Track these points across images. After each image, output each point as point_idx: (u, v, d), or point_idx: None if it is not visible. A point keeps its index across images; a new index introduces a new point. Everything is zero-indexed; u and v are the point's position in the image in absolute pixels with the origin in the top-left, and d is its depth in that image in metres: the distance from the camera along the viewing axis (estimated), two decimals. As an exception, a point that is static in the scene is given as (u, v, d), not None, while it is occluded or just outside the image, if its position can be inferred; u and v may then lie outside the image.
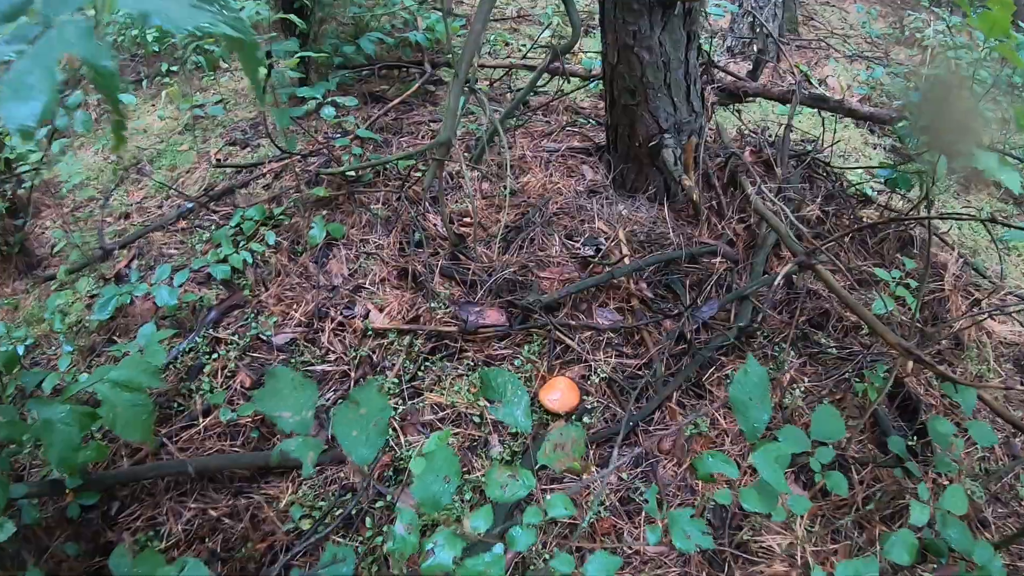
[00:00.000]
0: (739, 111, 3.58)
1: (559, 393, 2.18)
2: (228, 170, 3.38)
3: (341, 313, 2.57)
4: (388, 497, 2.01)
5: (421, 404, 2.25)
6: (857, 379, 2.38)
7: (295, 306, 2.64)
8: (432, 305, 2.50)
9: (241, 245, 2.84)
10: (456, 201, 2.93)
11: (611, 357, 2.36)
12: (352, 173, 2.93)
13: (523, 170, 3.10)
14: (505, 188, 2.80)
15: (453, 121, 2.40)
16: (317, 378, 2.43)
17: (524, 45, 4.63)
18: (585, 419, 2.18)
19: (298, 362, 2.44)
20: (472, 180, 3.02)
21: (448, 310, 2.49)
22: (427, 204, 2.87)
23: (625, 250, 2.67)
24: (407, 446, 2.14)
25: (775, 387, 2.36)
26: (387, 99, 3.71)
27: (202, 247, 2.94)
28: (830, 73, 5.18)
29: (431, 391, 2.28)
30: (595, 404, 2.23)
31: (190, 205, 3.19)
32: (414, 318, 2.49)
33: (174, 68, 4.39)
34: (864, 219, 3.11)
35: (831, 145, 3.26)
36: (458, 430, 2.17)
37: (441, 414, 2.22)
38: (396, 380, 2.33)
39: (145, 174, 3.60)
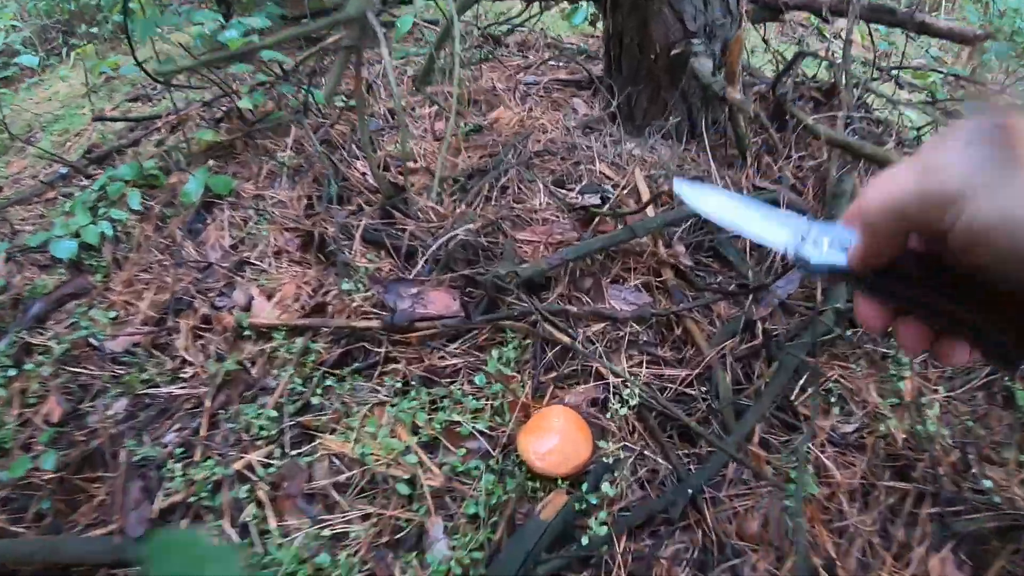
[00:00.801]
0: (766, 41, 2.43)
1: (555, 438, 1.00)
2: (118, 130, 2.21)
3: (212, 302, 1.42)
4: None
5: (311, 457, 1.10)
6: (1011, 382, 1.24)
7: (146, 294, 1.48)
8: (346, 287, 1.34)
9: (101, 214, 1.68)
10: (393, 142, 1.76)
11: (640, 365, 1.21)
12: (249, 107, 1.76)
13: (492, 105, 1.94)
14: (454, 113, 1.63)
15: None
16: (158, 408, 1.28)
17: None
18: (606, 485, 1.01)
19: (136, 380, 1.29)
20: (409, 106, 1.86)
21: (369, 294, 1.33)
22: (355, 149, 1.71)
23: (646, 199, 1.52)
24: (276, 540, 0.99)
25: (902, 409, 1.21)
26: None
27: (62, 220, 1.77)
28: None
29: (330, 432, 1.13)
30: (619, 453, 1.07)
31: (64, 171, 2.03)
32: (317, 307, 1.34)
33: (94, 30, 3.22)
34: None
35: (897, 68, 2.12)
36: (371, 508, 1.02)
37: (345, 475, 1.06)
38: (274, 414, 1.18)
39: (33, 143, 2.43)
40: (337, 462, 1.07)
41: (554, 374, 1.16)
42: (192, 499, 1.07)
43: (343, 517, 0.99)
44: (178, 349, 1.34)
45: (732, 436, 1.08)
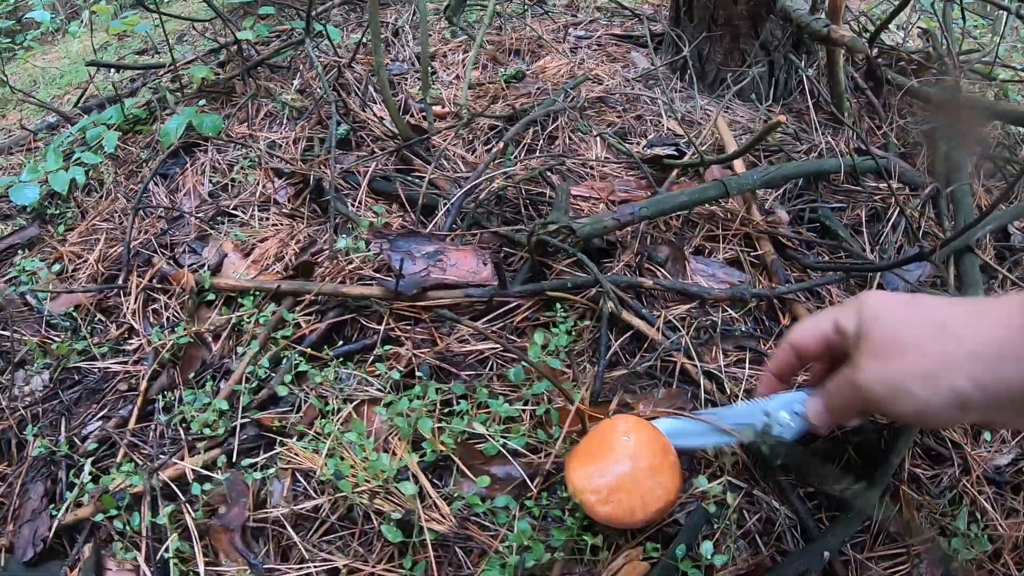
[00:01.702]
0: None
1: (624, 466, 0.60)
2: (118, 80, 1.90)
3: (174, 258, 1.07)
4: None
5: (264, 473, 0.73)
6: None
7: (97, 247, 1.14)
8: (342, 244, 0.98)
9: (75, 159, 1.36)
10: (418, 84, 1.40)
11: (739, 364, 0.81)
12: (249, 39, 1.42)
13: (537, 56, 1.57)
14: (487, 20, 1.27)
15: None
16: (88, 387, 0.93)
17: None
18: (707, 545, 0.60)
19: (65, 349, 0.94)
20: (440, 53, 1.50)
21: (372, 254, 0.97)
22: (372, 92, 1.36)
23: (739, 166, 1.13)
24: None
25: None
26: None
27: (32, 165, 1.46)
28: None
29: (298, 438, 0.76)
30: (719, 494, 0.66)
31: (53, 120, 1.73)
32: (303, 268, 0.98)
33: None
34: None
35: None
36: (341, 560, 0.65)
37: (310, 503, 0.69)
38: (225, 406, 0.81)
39: (33, 96, 2.16)
40: (302, 482, 0.70)
41: (622, 371, 0.77)
42: (101, 516, 0.71)
43: (300, 570, 0.62)
44: (125, 314, 0.99)
45: (879, 475, 0.68)
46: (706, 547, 0.60)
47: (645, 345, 0.79)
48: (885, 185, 1.15)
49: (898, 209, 1.09)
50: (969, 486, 0.76)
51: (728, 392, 0.75)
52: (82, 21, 2.69)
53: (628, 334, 0.81)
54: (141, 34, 2.41)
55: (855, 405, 0.54)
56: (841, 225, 1.06)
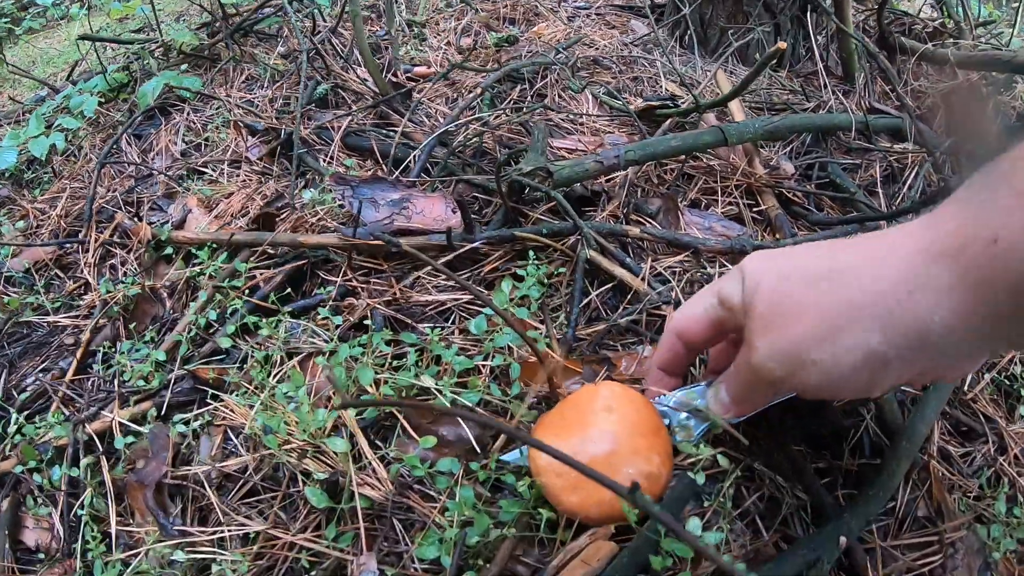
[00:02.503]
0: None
1: (604, 444, 0.48)
2: (112, 56, 1.84)
3: (139, 215, 0.98)
4: None
5: (194, 426, 0.63)
6: None
7: (59, 203, 1.06)
8: (308, 196, 0.88)
9: (56, 126, 1.29)
10: (401, 50, 1.30)
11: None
12: (232, 2, 1.34)
13: (533, 23, 1.46)
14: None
15: None
16: (37, 341, 0.84)
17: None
18: (695, 521, 0.48)
19: (17, 304, 0.86)
20: (432, 20, 1.39)
21: (338, 205, 0.86)
22: (357, 56, 1.26)
23: (735, 109, 1.01)
24: (112, 553, 0.52)
25: None
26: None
27: (13, 132, 1.39)
28: None
29: (235, 394, 0.66)
30: (711, 465, 0.52)
31: (43, 93, 1.67)
32: (262, 219, 0.88)
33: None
34: None
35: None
36: (257, 525, 0.54)
37: (235, 460, 0.59)
38: (163, 358, 0.72)
39: (24, 72, 2.11)
40: (233, 440, 0.60)
41: (601, 326, 0.65)
42: (21, 469, 0.62)
43: (214, 534, 0.51)
44: (81, 269, 0.90)
45: (902, 444, 0.55)
46: (693, 524, 0.48)
47: (629, 297, 0.67)
48: (900, 145, 1.02)
49: (916, 169, 0.95)
50: (1007, 466, 0.62)
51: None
52: (84, 4, 2.66)
53: (610, 285, 0.69)
54: (141, 15, 2.36)
55: (759, 391, 0.43)
56: (853, 183, 0.93)
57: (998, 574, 0.54)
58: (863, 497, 0.52)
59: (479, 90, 0.98)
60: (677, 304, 0.66)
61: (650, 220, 0.78)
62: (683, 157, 0.85)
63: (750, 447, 0.56)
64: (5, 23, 2.43)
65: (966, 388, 0.68)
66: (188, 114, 1.15)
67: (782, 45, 0.78)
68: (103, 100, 1.31)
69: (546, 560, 0.46)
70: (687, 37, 1.33)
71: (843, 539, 0.49)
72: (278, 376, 0.63)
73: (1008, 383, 0.70)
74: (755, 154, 0.90)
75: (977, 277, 0.32)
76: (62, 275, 0.92)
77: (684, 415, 0.51)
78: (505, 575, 0.46)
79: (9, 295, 0.91)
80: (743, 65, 1.30)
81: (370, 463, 0.53)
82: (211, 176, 1.01)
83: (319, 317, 0.70)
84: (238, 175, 1.00)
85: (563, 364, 0.58)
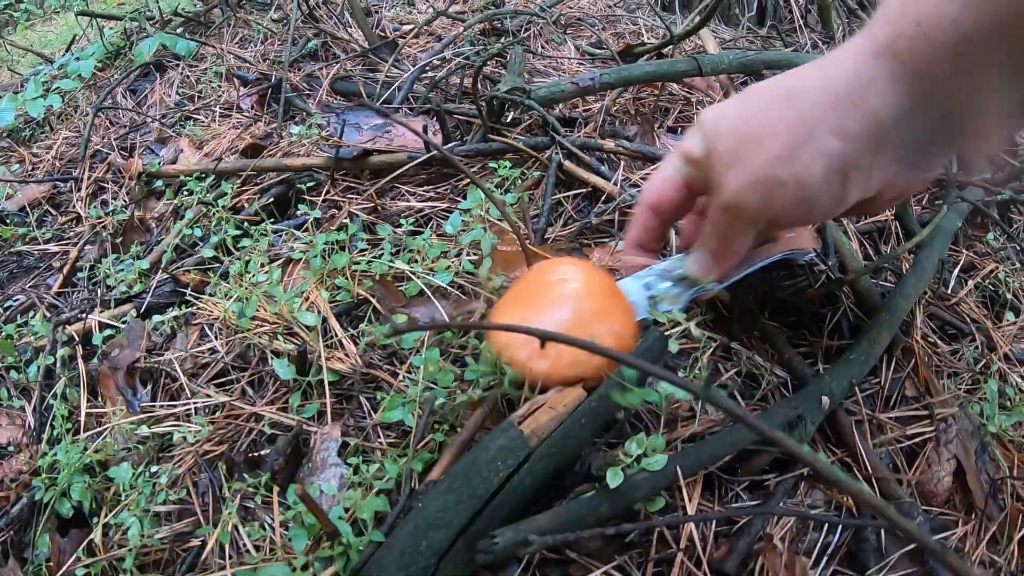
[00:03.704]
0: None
1: (565, 311, 0.45)
2: (110, 34, 1.83)
3: (134, 156, 0.96)
4: None
5: (171, 319, 0.60)
6: None
7: (55, 147, 1.04)
8: (296, 130, 0.85)
9: (54, 89, 1.27)
10: (391, 8, 1.29)
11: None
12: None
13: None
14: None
15: None
16: (26, 266, 0.81)
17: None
18: (663, 384, 0.47)
19: (8, 234, 0.83)
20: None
21: (323, 135, 0.84)
22: (348, 17, 1.25)
23: (712, 46, 0.99)
24: (79, 433, 0.50)
25: None
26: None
27: (11, 95, 1.38)
28: None
29: (213, 295, 0.63)
30: (687, 335, 0.48)
31: (42, 67, 1.66)
32: (249, 150, 0.85)
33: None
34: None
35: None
36: (222, 398, 0.51)
37: (209, 345, 0.57)
38: (146, 266, 0.69)
39: (25, 48, 2.11)
40: (209, 335, 0.57)
41: (573, 227, 0.63)
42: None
43: (182, 408, 0.49)
44: (74, 204, 0.88)
45: (881, 316, 0.52)
46: (663, 386, 0.45)
47: (602, 199, 0.65)
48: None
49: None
50: (996, 359, 0.59)
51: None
52: None
53: (583, 192, 0.66)
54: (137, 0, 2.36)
55: (738, 233, 0.41)
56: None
57: (995, 455, 0.51)
58: (845, 361, 0.48)
59: (462, 28, 0.96)
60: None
61: (626, 141, 0.76)
62: (659, 88, 0.83)
63: (728, 325, 0.53)
64: (5, 7, 2.43)
65: (949, 292, 0.65)
66: (183, 70, 1.13)
67: None
68: (100, 66, 1.30)
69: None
70: (669, 5, 1.32)
71: (825, 399, 0.45)
72: (255, 274, 0.60)
73: (992, 288, 0.67)
74: (731, 87, 0.87)
75: (912, 61, 0.33)
76: (55, 212, 0.90)
77: (669, 283, 0.48)
78: (474, 437, 0.43)
79: (1, 228, 0.89)
80: (725, 25, 1.28)
81: (339, 340, 0.50)
82: (203, 122, 0.99)
83: (302, 228, 0.67)
84: (229, 120, 0.98)
85: (534, 251, 0.55)
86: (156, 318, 0.59)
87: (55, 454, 0.47)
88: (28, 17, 2.39)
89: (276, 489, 0.40)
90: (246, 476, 0.42)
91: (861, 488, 0.35)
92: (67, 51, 1.60)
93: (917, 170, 0.37)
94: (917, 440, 0.49)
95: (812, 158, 0.35)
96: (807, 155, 0.35)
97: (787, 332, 0.54)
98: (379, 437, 0.46)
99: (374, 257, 0.57)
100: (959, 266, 0.70)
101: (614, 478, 0.37)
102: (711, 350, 0.50)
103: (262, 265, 0.62)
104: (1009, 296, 0.66)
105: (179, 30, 1.25)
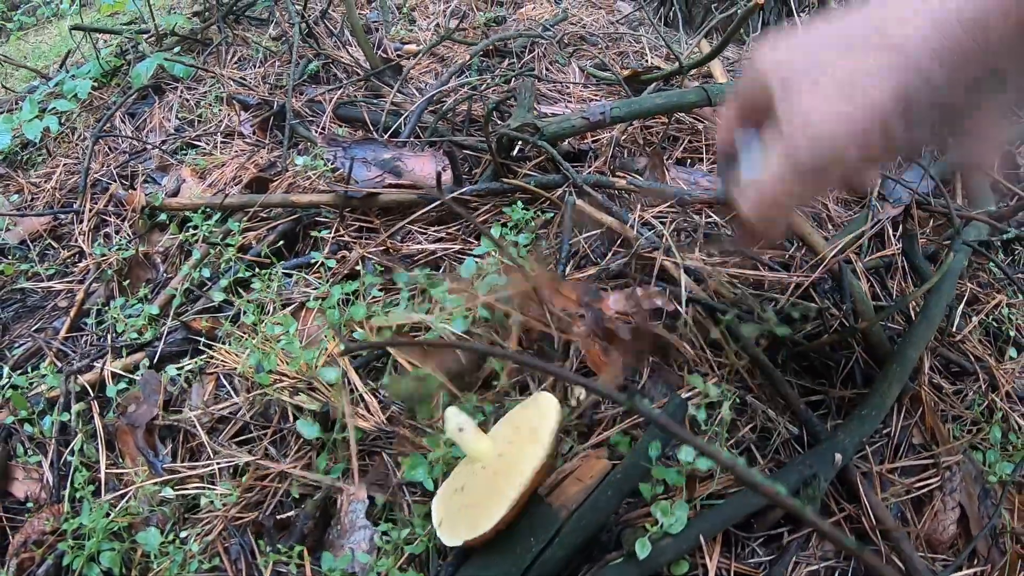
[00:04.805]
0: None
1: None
2: (104, 48, 1.83)
3: (133, 187, 0.97)
4: None
5: (186, 371, 0.62)
6: None
7: (55, 177, 1.04)
8: (301, 161, 0.87)
9: (50, 109, 1.27)
10: (395, 26, 1.30)
11: (723, 266, 0.68)
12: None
13: (520, 4, 1.46)
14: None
15: None
16: (31, 306, 0.82)
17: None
18: (683, 448, 0.50)
19: (11, 270, 0.84)
20: (421, 3, 1.39)
21: (329, 168, 0.85)
22: (348, 36, 1.25)
23: (718, 75, 1.00)
24: (102, 495, 0.51)
25: None
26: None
27: (7, 116, 1.38)
28: None
29: (227, 342, 0.65)
30: (711, 395, 0.53)
31: (36, 83, 1.65)
32: (255, 183, 0.87)
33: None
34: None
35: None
36: (250, 459, 0.53)
37: (227, 403, 0.58)
38: (156, 312, 0.70)
39: (19, 63, 2.09)
40: (225, 386, 0.58)
41: (590, 271, 0.64)
42: (12, 420, 0.60)
43: (205, 469, 0.50)
44: (76, 237, 0.89)
45: (892, 368, 0.54)
46: (686, 451, 0.47)
47: (618, 242, 0.67)
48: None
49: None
50: (999, 400, 0.61)
51: (708, 287, 0.62)
52: (75, 1, 2.64)
53: (597, 233, 0.68)
54: (132, 11, 2.35)
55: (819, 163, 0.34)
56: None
57: (998, 501, 0.53)
58: (856, 418, 0.51)
59: (468, 57, 0.98)
60: (668, 250, 0.65)
61: (636, 176, 0.78)
62: (668, 118, 0.85)
63: (743, 378, 0.55)
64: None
65: (954, 329, 0.68)
66: (181, 92, 1.14)
67: (760, 1, 0.78)
68: (96, 85, 1.30)
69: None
70: (672, 15, 1.33)
71: (838, 456, 0.48)
72: (269, 321, 0.62)
73: (996, 325, 0.70)
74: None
75: None
76: (56, 245, 0.91)
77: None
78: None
79: (3, 263, 0.89)
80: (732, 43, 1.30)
81: (361, 396, 0.51)
82: (204, 149, 1.00)
83: (312, 269, 0.69)
84: (231, 147, 0.99)
85: (554, 288, 0.57)
86: (170, 369, 0.60)
87: (79, 518, 0.48)
88: (20, 26, 2.37)
89: (308, 557, 0.42)
90: (275, 541, 0.44)
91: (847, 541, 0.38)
92: (61, 66, 1.60)
93: (979, 112, 0.33)
94: (924, 491, 0.51)
95: (860, 95, 0.32)
96: (857, 91, 0.32)
97: (800, 381, 0.57)
98: (404, 495, 0.48)
99: (391, 305, 0.59)
100: (964, 300, 0.72)
101: (642, 550, 0.39)
102: (728, 401, 0.52)
103: (274, 311, 0.64)
104: (1012, 332, 0.69)
105: (176, 50, 1.26)
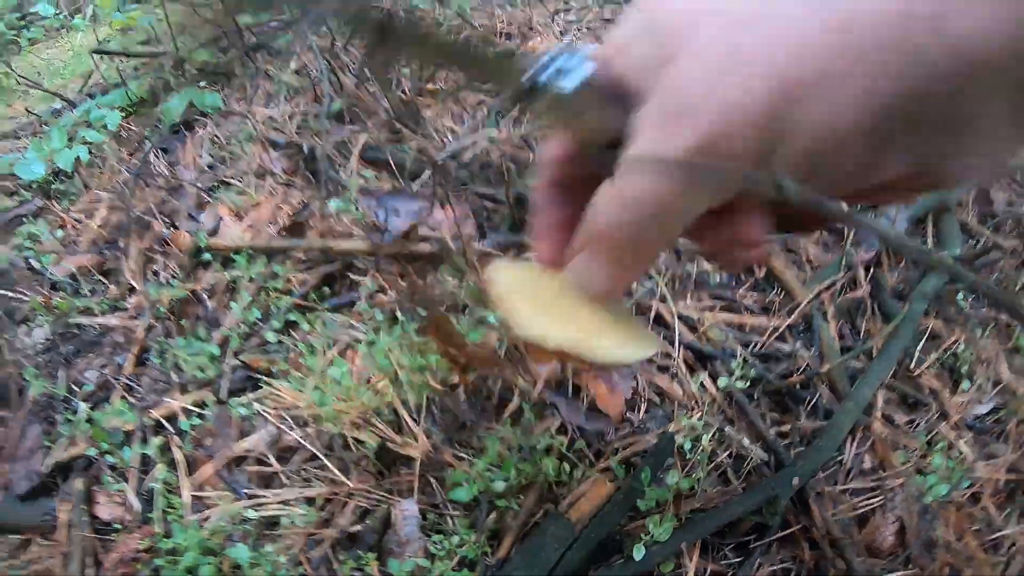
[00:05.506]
0: None
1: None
2: (123, 68, 1.93)
3: (175, 224, 1.09)
4: None
5: (250, 409, 0.74)
6: None
7: (98, 214, 1.16)
8: (334, 205, 0.99)
9: (79, 138, 1.38)
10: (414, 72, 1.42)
11: (712, 312, 0.82)
12: (249, 23, 1.45)
13: (528, 37, 1.58)
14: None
15: None
16: (88, 340, 0.94)
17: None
18: (674, 474, 0.62)
19: (66, 306, 0.96)
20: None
21: (362, 215, 0.98)
22: (368, 73, 1.38)
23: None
24: (187, 517, 0.63)
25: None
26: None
27: (36, 144, 1.48)
28: None
29: (283, 378, 0.77)
30: (694, 427, 0.68)
31: (58, 106, 1.76)
32: (294, 228, 0.99)
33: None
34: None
35: None
36: (324, 490, 0.65)
37: (294, 435, 0.70)
38: (216, 351, 0.83)
39: (35, 84, 2.19)
40: (287, 417, 0.71)
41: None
42: (93, 452, 0.72)
43: (279, 495, 0.63)
44: (124, 275, 1.00)
45: (847, 404, 0.68)
46: (672, 476, 0.60)
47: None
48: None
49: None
50: (946, 429, 0.75)
51: (700, 332, 0.76)
52: (85, 15, 2.73)
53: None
54: (144, 27, 2.44)
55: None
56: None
57: (937, 518, 0.67)
58: (815, 448, 0.65)
59: (485, 111, 1.10)
60: (662, 296, 0.79)
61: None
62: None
63: (716, 411, 0.69)
64: (10, 34, 2.49)
65: (912, 365, 0.81)
66: (211, 128, 1.25)
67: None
68: (124, 114, 1.41)
69: (558, 503, 0.58)
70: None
71: (796, 479, 0.61)
72: (323, 363, 0.74)
73: (953, 359, 0.84)
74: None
75: None
76: (105, 281, 1.02)
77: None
78: (534, 511, 0.58)
79: (54, 298, 1.01)
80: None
81: (410, 428, 0.64)
82: (239, 187, 1.12)
83: (354, 311, 0.81)
84: (264, 186, 1.11)
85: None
86: (235, 403, 0.73)
87: (174, 537, 0.61)
88: (31, 41, 2.46)
89: (376, 564, 0.55)
90: (348, 552, 0.57)
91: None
92: (82, 89, 1.70)
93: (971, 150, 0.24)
94: (868, 508, 0.65)
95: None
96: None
97: (772, 413, 0.70)
98: (449, 510, 0.61)
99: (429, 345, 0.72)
100: (926, 335, 0.86)
101: (638, 553, 0.52)
102: (709, 437, 0.66)
103: (324, 351, 0.76)
104: (965, 368, 0.83)
105: (201, 83, 1.37)
